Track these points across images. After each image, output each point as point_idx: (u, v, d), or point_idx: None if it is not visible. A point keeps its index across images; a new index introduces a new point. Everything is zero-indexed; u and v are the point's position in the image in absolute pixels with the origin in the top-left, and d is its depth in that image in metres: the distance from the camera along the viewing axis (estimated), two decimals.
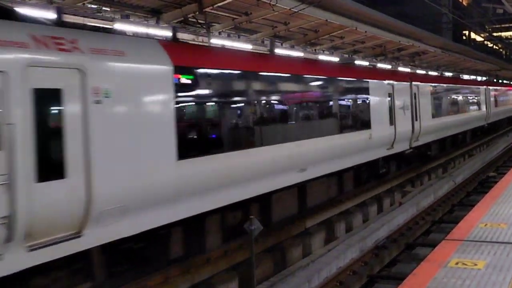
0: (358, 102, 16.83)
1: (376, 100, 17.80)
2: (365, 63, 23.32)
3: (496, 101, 39.41)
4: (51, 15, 9.89)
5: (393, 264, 12.40)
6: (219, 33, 15.74)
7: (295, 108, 13.30)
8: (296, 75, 13.73)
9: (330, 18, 16.64)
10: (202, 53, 11.12)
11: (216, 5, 13.18)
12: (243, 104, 11.50)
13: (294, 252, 12.46)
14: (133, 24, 12.38)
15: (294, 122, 13.11)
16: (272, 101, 12.64)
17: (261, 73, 12.28)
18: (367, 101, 17.28)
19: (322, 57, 20.66)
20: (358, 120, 16.55)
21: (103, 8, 12.31)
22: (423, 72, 29.02)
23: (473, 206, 9.99)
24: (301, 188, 14.47)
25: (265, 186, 11.91)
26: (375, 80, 18.02)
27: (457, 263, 6.47)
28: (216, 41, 14.64)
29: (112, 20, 11.77)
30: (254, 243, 9.19)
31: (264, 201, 12.79)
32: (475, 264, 6.40)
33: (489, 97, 36.45)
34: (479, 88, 34.48)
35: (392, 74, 20.64)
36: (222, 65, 10.94)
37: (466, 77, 38.98)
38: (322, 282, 10.48)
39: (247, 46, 16.29)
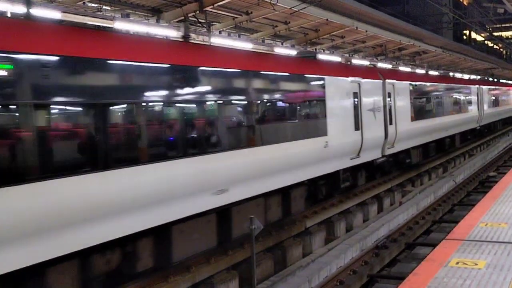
0: (309, 104, 13.92)
1: (335, 100, 14.80)
2: (366, 62, 23.31)
3: (490, 101, 36.57)
4: (52, 14, 9.90)
5: (394, 264, 12.39)
6: (220, 32, 15.74)
7: (204, 111, 10.27)
8: (210, 68, 10.35)
9: (331, 17, 16.66)
10: (39, 32, 7.69)
11: (217, 4, 13.18)
12: (111, 106, 8.27)
13: (294, 252, 12.46)
14: (133, 23, 12.36)
15: (201, 130, 9.97)
16: (165, 102, 9.32)
17: (148, 65, 8.92)
18: (323, 102, 14.21)
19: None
20: (309, 125, 13.55)
21: (104, 7, 12.30)
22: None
23: (474, 206, 10.00)
24: (223, 213, 11.13)
25: (157, 216, 8.78)
26: (334, 77, 14.92)
27: (457, 263, 6.47)
28: (216, 40, 14.62)
29: (113, 19, 11.76)
30: (254, 242, 9.17)
31: (162, 233, 9.56)
32: (476, 264, 6.40)
33: (481, 97, 33.56)
34: (470, 87, 31.38)
35: (360, 70, 17.67)
36: (75, 51, 7.74)
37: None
38: (322, 281, 10.47)
39: (248, 45, 16.27)
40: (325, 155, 14.08)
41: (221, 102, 10.75)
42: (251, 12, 14.87)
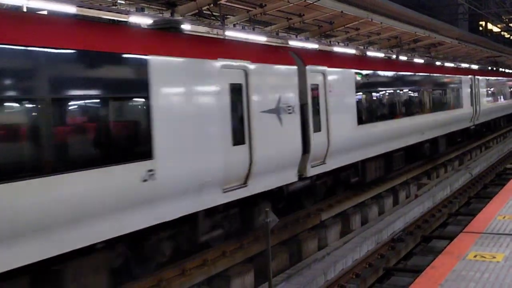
0: (107, 104, 7.90)
1: (176, 98, 9.11)
2: (381, 54, 23.14)
3: (489, 94, 30.86)
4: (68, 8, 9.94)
5: (410, 257, 12.36)
6: (234, 25, 15.73)
7: None
8: None
9: (345, 9, 16.56)
10: None
11: None
12: None
13: (309, 245, 12.46)
14: (148, 17, 12.39)
15: None
16: None
17: None
18: (143, 101, 8.39)
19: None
20: (107, 143, 7.83)
21: (118, 1, 12.35)
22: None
23: (491, 199, 9.93)
24: None
25: None
26: (174, 58, 9.04)
27: (475, 256, 6.43)
28: (230, 34, 14.61)
29: (127, 13, 11.80)
30: (270, 235, 9.18)
31: None
32: (494, 257, 6.35)
33: (477, 89, 27.93)
34: (460, 77, 25.52)
35: (249, 50, 11.61)
36: None
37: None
38: (338, 274, 10.46)
39: (261, 38, 16.24)
40: (148, 193, 8.29)
41: None
42: (265, 5, 14.84)
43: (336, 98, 13.79)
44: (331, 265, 10.70)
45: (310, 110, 12.64)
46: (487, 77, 31.05)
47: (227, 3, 13.86)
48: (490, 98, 31.19)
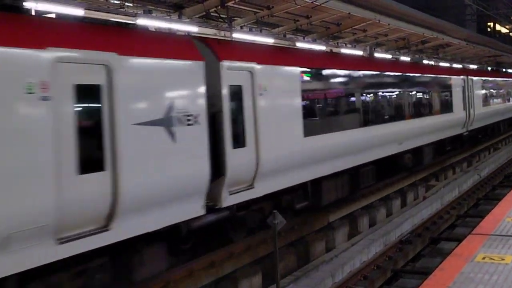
0: None
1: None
2: (388, 56, 23.06)
3: (486, 97, 28.22)
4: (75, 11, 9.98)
5: (418, 259, 12.32)
6: (241, 27, 15.74)
7: None
8: None
9: (353, 11, 16.53)
10: None
11: None
12: None
13: (317, 247, 12.45)
14: (155, 20, 12.42)
15: None
16: None
17: None
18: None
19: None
20: None
21: (126, 3, 12.39)
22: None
23: (499, 200, 9.89)
24: None
25: None
26: None
27: (484, 258, 6.40)
28: (238, 36, 14.62)
29: (135, 15, 11.84)
30: (277, 237, 9.17)
31: None
32: (503, 259, 6.32)
33: (471, 91, 25.37)
34: (451, 78, 23.11)
35: (117, 36, 8.25)
36: None
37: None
38: (346, 276, 10.44)
39: (269, 40, 16.24)
40: None
41: None
42: (273, 7, 14.84)
43: (271, 103, 10.96)
44: (339, 267, 10.68)
45: (228, 119, 9.77)
46: (483, 78, 28.28)
47: (235, 5, 13.87)
48: (487, 101, 28.41)
